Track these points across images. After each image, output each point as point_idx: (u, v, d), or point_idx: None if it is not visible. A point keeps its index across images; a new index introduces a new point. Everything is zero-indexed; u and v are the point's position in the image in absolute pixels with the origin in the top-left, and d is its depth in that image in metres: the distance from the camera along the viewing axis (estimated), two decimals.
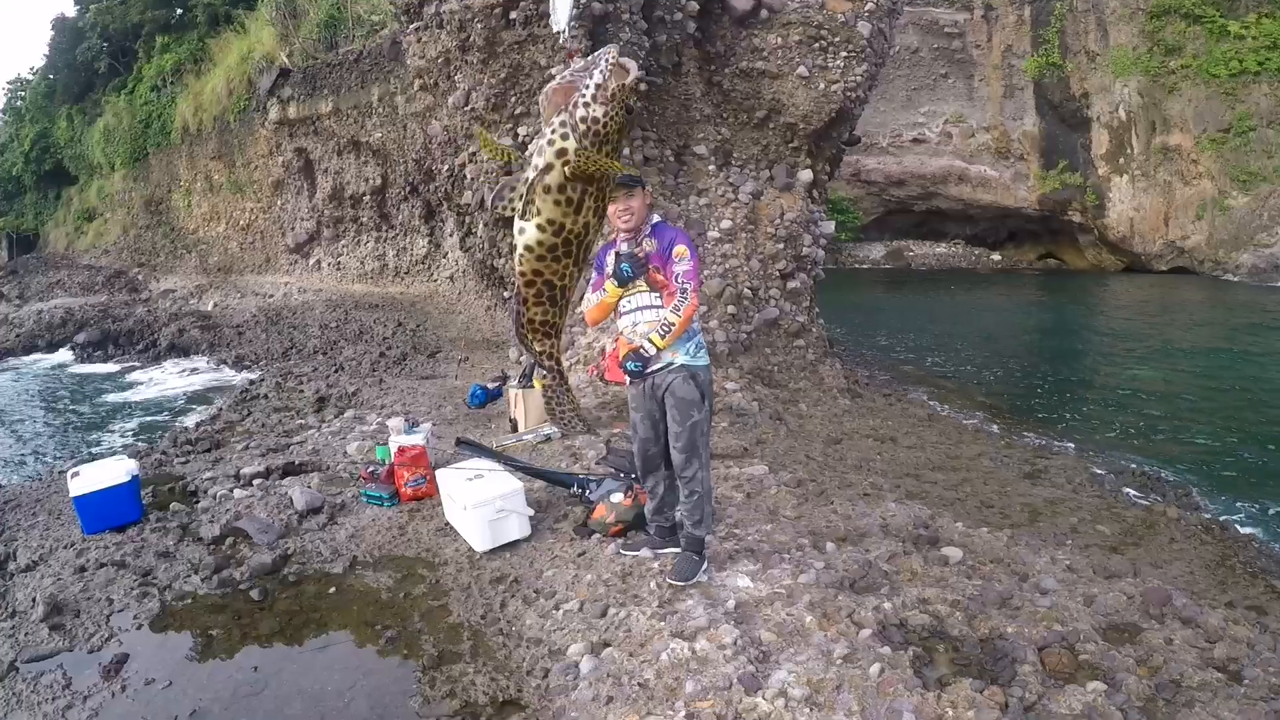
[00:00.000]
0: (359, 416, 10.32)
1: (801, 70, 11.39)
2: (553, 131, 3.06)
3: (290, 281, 25.32)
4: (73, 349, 21.52)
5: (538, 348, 3.64)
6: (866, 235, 36.46)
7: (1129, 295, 26.40)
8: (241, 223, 28.54)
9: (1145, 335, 19.41)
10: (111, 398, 16.67)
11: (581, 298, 4.21)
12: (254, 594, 5.38)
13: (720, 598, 4.55)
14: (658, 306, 4.65)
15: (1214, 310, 23.07)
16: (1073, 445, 11.00)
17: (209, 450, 9.67)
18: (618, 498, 5.50)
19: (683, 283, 4.57)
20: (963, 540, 5.78)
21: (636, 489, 5.47)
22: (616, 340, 4.89)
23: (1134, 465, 10.02)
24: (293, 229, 25.48)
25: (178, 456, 9.34)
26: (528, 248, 3.15)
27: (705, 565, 4.79)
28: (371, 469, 6.80)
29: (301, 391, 13.03)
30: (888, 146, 33.94)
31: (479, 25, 10.57)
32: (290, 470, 7.75)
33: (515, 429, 8.10)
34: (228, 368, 17.80)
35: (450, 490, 5.84)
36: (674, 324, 4.56)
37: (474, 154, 11.85)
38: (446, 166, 13.99)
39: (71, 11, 40.66)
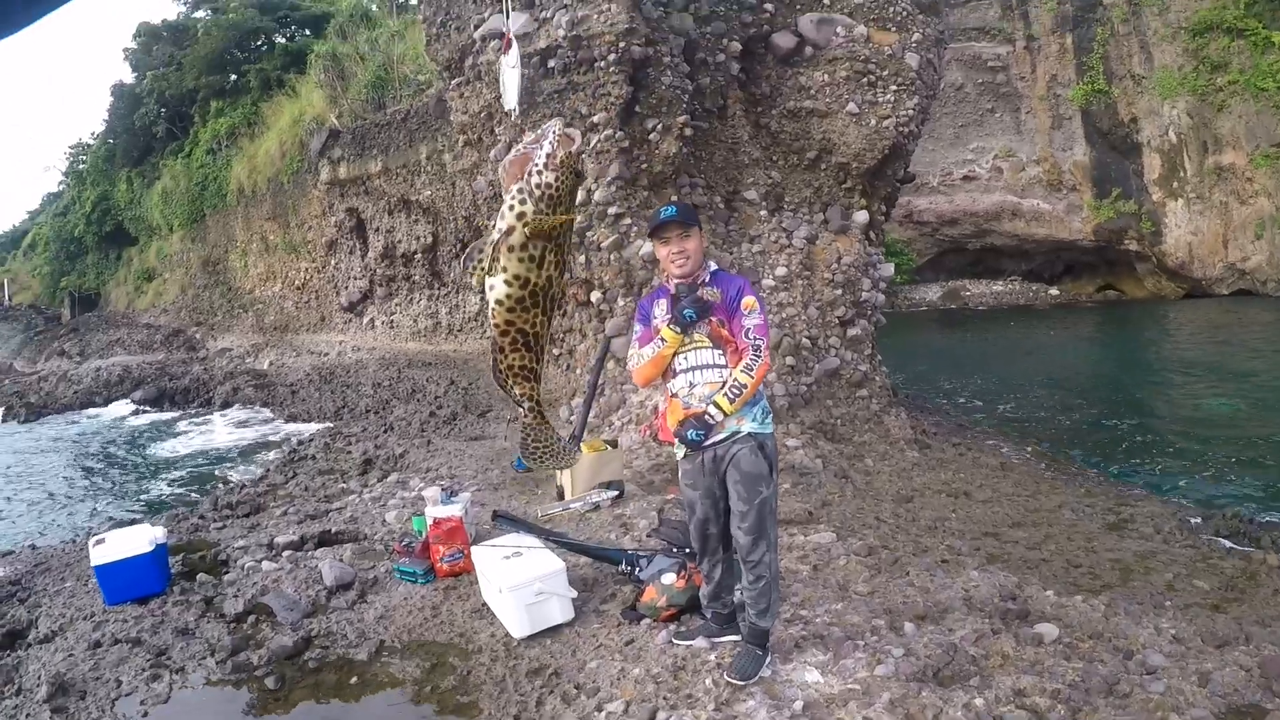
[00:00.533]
0: (402, 481, 9.95)
1: (851, 107, 10.96)
2: (512, 198, 3.54)
3: (345, 340, 25.41)
4: (130, 404, 22.03)
5: (517, 391, 3.73)
6: (921, 276, 35.93)
7: (1193, 322, 25.72)
8: (296, 282, 28.84)
9: (1214, 364, 18.84)
10: (164, 449, 16.87)
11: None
12: (270, 681, 4.98)
13: (786, 696, 4.02)
14: (721, 366, 4.11)
15: None
16: (1155, 488, 10.45)
17: (249, 514, 9.47)
18: (670, 578, 4.98)
19: (754, 339, 4.06)
20: (1056, 612, 5.18)
21: (691, 568, 4.94)
22: (668, 400, 4.37)
23: (1222, 508, 9.39)
24: (346, 288, 25.64)
25: (215, 521, 9.13)
26: (499, 301, 3.53)
27: (769, 658, 4.24)
28: (406, 542, 6.39)
29: (349, 453, 12.80)
30: (938, 185, 33.51)
31: None
32: (325, 539, 7.46)
33: (561, 496, 7.62)
34: (280, 421, 17.88)
35: (486, 569, 5.38)
36: (745, 385, 4.02)
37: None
38: (492, 221, 13.70)
39: (130, 78, 41.46)
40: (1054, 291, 34.97)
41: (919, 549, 6.67)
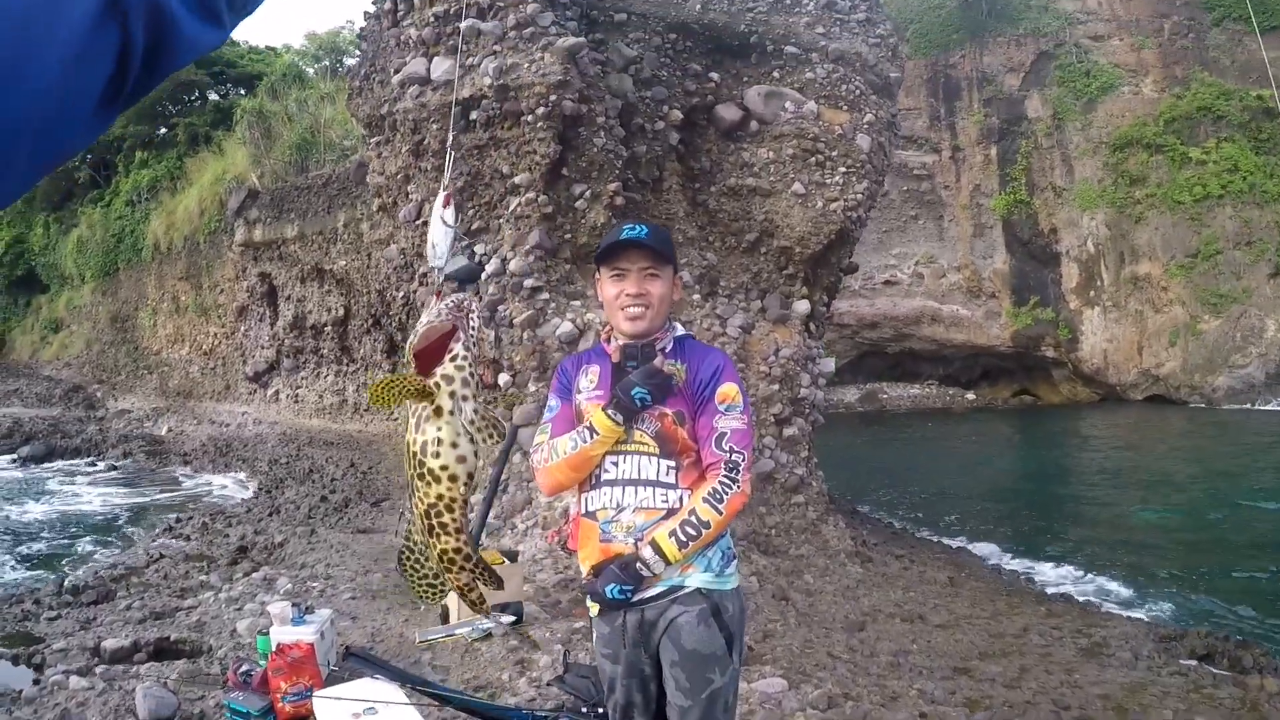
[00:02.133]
0: (269, 579, 8.80)
1: (797, 187, 10.27)
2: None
3: (248, 411, 24.61)
4: (15, 460, 21.41)
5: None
6: (840, 379, 35.75)
7: (1110, 428, 26.32)
8: (204, 347, 28.11)
9: (1137, 468, 19.54)
10: (39, 508, 15.98)
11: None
12: None
13: None
14: (667, 486, 2.74)
15: (1199, 438, 23.32)
16: (1117, 604, 10.30)
17: (94, 603, 8.67)
18: None
19: (731, 451, 2.71)
20: None
21: None
22: (576, 515, 2.94)
23: (1193, 623, 9.25)
24: (253, 357, 24.91)
25: (50, 609, 8.34)
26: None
27: None
28: (244, 669, 5.00)
29: (226, 535, 12.02)
30: (860, 289, 33.57)
31: (435, 126, 9.42)
32: (161, 649, 6.47)
33: (445, 619, 6.27)
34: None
35: None
36: (708, 525, 2.65)
37: (424, 276, 10.44)
38: (402, 293, 12.74)
39: None
40: (971, 396, 35.25)
41: (887, 697, 5.56)
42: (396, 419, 20.45)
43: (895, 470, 20.17)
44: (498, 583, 2.39)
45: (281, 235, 21.83)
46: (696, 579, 2.72)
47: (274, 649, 4.88)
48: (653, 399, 2.69)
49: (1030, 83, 31.58)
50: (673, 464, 2.73)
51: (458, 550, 2.30)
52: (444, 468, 2.22)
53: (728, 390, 2.77)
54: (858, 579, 9.08)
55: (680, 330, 2.93)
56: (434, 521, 2.28)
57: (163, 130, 33.55)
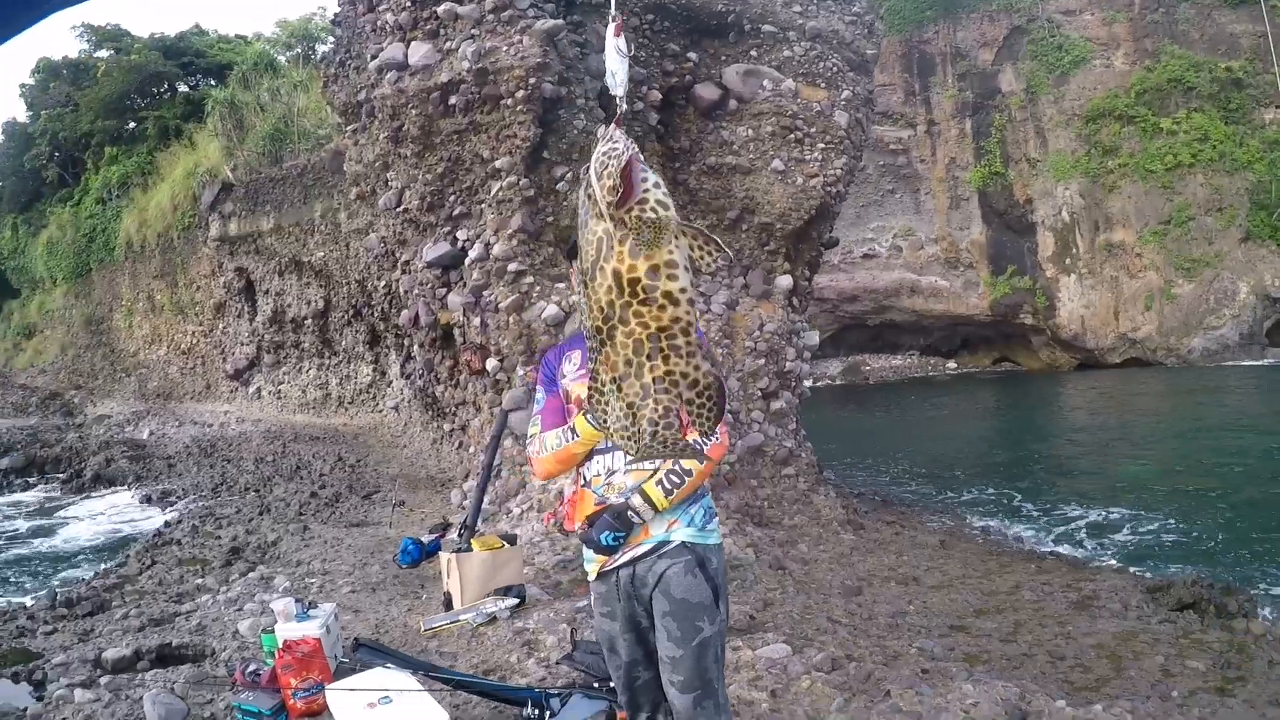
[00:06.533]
0: (266, 578, 8.67)
1: (776, 164, 10.26)
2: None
3: (230, 410, 24.15)
4: None
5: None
6: (822, 352, 35.97)
7: (1090, 390, 26.82)
8: (183, 346, 27.63)
9: (1117, 429, 19.63)
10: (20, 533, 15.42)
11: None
12: None
13: None
14: None
15: (1177, 396, 23.90)
16: (1105, 557, 10.49)
17: (90, 614, 8.26)
18: None
19: None
20: None
21: (623, 717, 3.71)
22: (577, 488, 3.17)
23: (1178, 572, 9.30)
24: (233, 354, 24.50)
25: (45, 623, 7.95)
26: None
27: None
28: (251, 670, 4.99)
29: (218, 538, 11.62)
30: (839, 264, 33.86)
31: (414, 112, 9.36)
32: (164, 655, 6.23)
33: (449, 605, 6.30)
34: (151, 505, 16.38)
35: None
36: (689, 473, 2.88)
37: (407, 264, 10.41)
38: (384, 282, 12.65)
39: (23, 116, 39.41)
40: (951, 365, 35.79)
41: (888, 656, 5.67)
42: (382, 410, 20.35)
43: (881, 440, 20.31)
44: (720, 409, 2.36)
45: (257, 228, 21.44)
46: (681, 534, 2.95)
47: (281, 646, 4.85)
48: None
49: (1003, 57, 31.87)
50: None
51: (685, 374, 2.29)
52: (683, 290, 2.25)
53: None
54: (851, 546, 9.18)
55: None
56: (665, 344, 2.27)
57: (131, 124, 32.74)
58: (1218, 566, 9.89)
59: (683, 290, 2.23)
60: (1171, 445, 17.35)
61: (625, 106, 2.52)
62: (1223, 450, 16.09)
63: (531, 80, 8.68)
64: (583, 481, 3.08)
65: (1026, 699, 4.66)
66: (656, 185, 2.27)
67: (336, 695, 4.24)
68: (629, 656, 3.06)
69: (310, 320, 21.35)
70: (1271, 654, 6.68)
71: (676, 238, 2.24)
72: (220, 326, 25.18)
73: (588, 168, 2.33)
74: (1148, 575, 9.36)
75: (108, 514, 16.39)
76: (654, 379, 2.26)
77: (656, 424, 2.33)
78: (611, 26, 2.47)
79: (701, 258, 2.30)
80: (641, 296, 2.20)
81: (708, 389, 2.30)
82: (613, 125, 2.28)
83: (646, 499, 2.88)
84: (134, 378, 29.89)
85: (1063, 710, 4.55)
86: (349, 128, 11.04)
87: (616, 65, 2.49)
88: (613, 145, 2.26)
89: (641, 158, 2.27)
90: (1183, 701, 5.49)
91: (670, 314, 2.21)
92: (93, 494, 18.21)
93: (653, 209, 2.22)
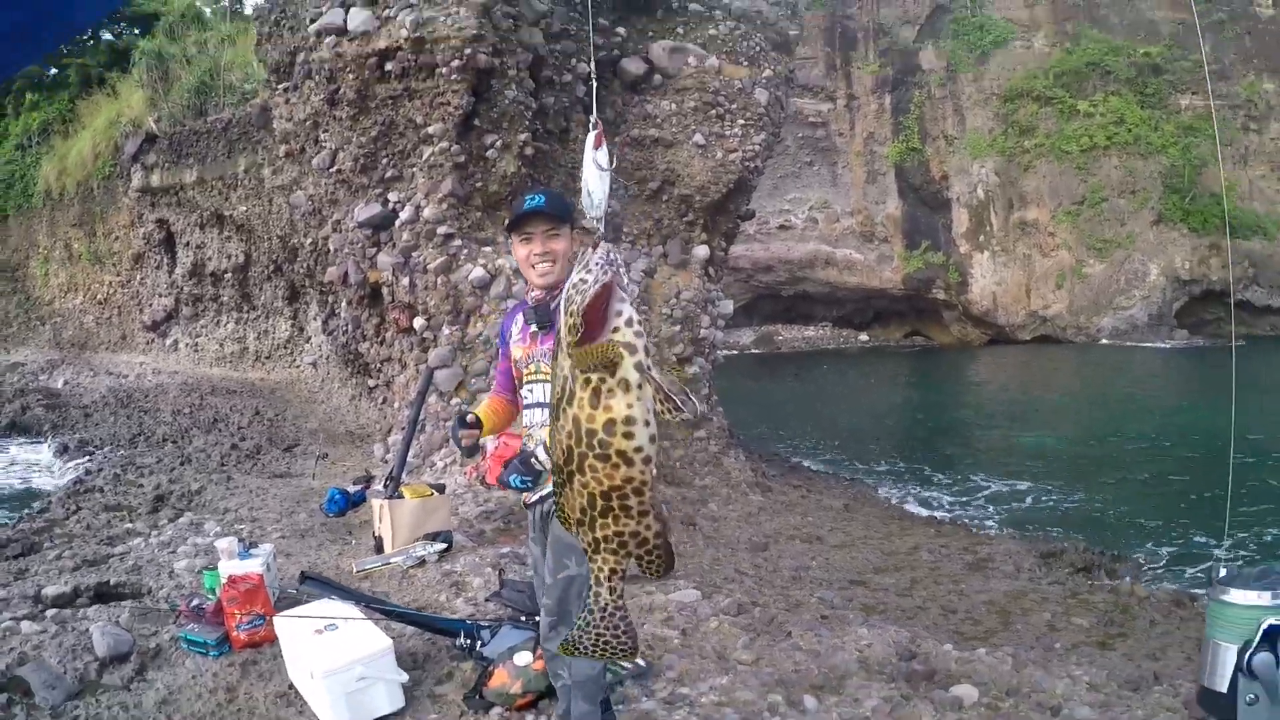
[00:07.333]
0: (196, 523, 8.78)
1: (697, 138, 10.60)
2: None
3: (146, 361, 23.77)
4: None
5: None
6: (735, 321, 36.41)
7: (999, 366, 27.50)
8: (99, 296, 26.96)
9: (1022, 402, 20.62)
10: None
11: None
12: None
13: None
14: None
15: (1083, 375, 24.65)
16: (1004, 525, 10.92)
17: (20, 555, 8.22)
18: (525, 658, 4.10)
19: None
20: (962, 669, 4.79)
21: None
22: (500, 442, 3.61)
23: (1068, 542, 9.68)
24: (150, 305, 24.00)
25: None
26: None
27: None
28: (195, 603, 5.25)
29: (140, 486, 11.51)
30: (755, 234, 34.12)
31: (350, 76, 9.44)
32: (103, 593, 6.28)
33: (380, 549, 6.63)
34: (69, 453, 15.96)
35: (294, 648, 4.38)
36: None
37: (338, 223, 10.53)
38: (310, 240, 12.68)
39: None
40: (864, 337, 36.40)
41: (791, 604, 6.13)
42: (300, 366, 20.24)
43: (793, 409, 20.75)
44: (669, 564, 2.21)
45: (180, 180, 21.03)
46: None
47: (225, 581, 5.13)
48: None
49: (925, 35, 32.38)
50: None
51: (634, 534, 2.14)
52: (638, 449, 2.05)
53: None
54: (759, 506, 9.61)
55: None
56: (616, 504, 2.11)
57: (54, 71, 31.60)
58: (1109, 535, 10.34)
59: (638, 450, 2.04)
60: (1075, 421, 18.04)
61: (603, 229, 2.47)
62: (1123, 427, 16.72)
63: (466, 51, 8.83)
64: (524, 429, 3.49)
65: (917, 642, 5.12)
66: (629, 323, 2.09)
67: (285, 622, 4.55)
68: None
69: (230, 274, 21.10)
70: (1154, 614, 7.00)
71: (640, 387, 2.04)
72: (138, 278, 24.65)
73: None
74: (1042, 541, 9.71)
75: (22, 464, 16.16)
76: (603, 537, 2.16)
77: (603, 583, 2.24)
78: (591, 137, 2.40)
79: (663, 412, 2.11)
80: (597, 450, 2.04)
81: (656, 547, 2.16)
82: (590, 249, 2.10)
83: (548, 449, 3.20)
84: (49, 326, 29.31)
85: (949, 652, 5.02)
86: (280, 86, 11.00)
87: (595, 184, 2.40)
88: (584, 276, 2.05)
89: (622, 285, 2.09)
90: (1064, 652, 5.79)
91: (623, 474, 2.05)
92: (9, 442, 17.78)
93: (619, 352, 2.02)
